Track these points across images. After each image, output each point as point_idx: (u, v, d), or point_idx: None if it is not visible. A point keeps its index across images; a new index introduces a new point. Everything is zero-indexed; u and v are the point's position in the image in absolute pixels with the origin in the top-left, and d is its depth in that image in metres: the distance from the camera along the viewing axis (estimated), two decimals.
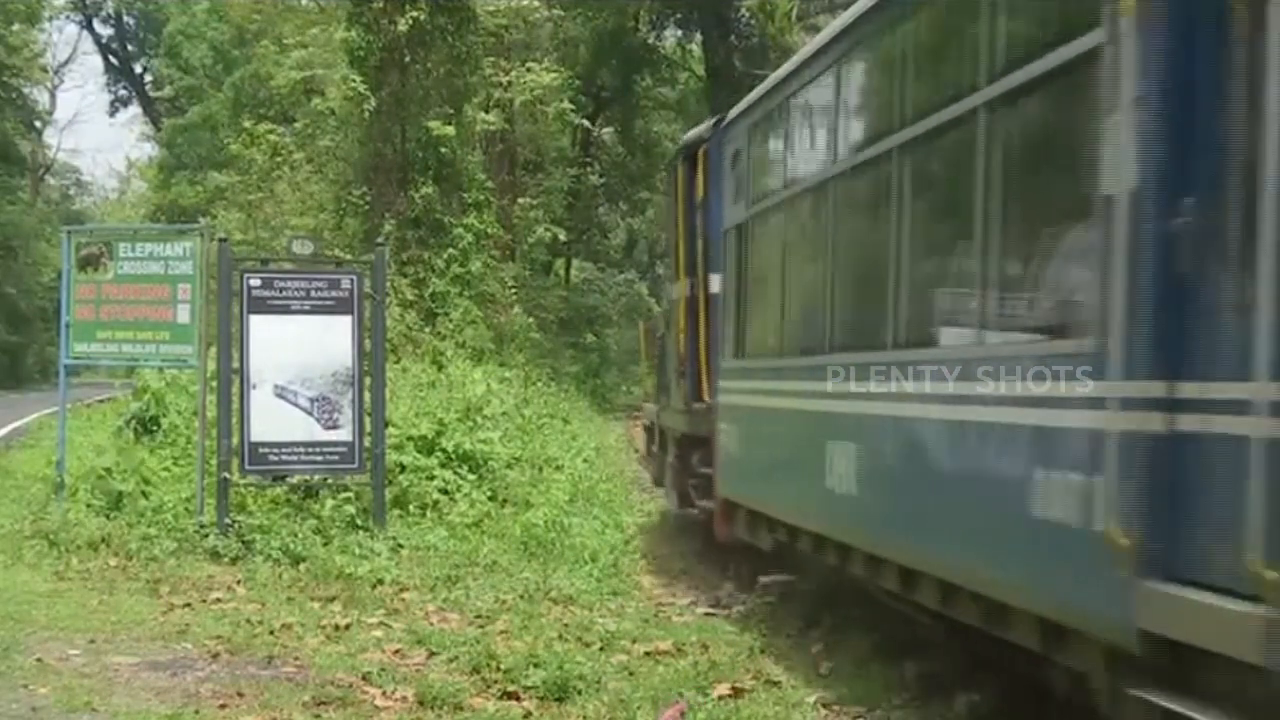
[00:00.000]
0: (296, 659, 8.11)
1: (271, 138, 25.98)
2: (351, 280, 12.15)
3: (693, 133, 12.72)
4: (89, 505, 12.46)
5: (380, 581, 10.41)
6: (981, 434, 5.90)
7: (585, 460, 17.22)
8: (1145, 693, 4.58)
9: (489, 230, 23.55)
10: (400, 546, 11.62)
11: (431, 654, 8.26)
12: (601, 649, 8.44)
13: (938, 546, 6.40)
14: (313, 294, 11.99)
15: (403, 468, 13.26)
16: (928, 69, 6.87)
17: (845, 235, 8.03)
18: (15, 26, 45.92)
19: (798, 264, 9.08)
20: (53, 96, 62.69)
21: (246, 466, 11.89)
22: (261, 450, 11.87)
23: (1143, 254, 4.58)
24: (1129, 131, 4.61)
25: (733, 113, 11.14)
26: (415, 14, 21.72)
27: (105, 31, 61.19)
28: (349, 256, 17.59)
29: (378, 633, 8.92)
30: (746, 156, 10.48)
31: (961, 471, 6.14)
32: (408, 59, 22.39)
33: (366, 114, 22.32)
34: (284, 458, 11.93)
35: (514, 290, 25.33)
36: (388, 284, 14.11)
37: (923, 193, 6.93)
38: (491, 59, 25.94)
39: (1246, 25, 4.18)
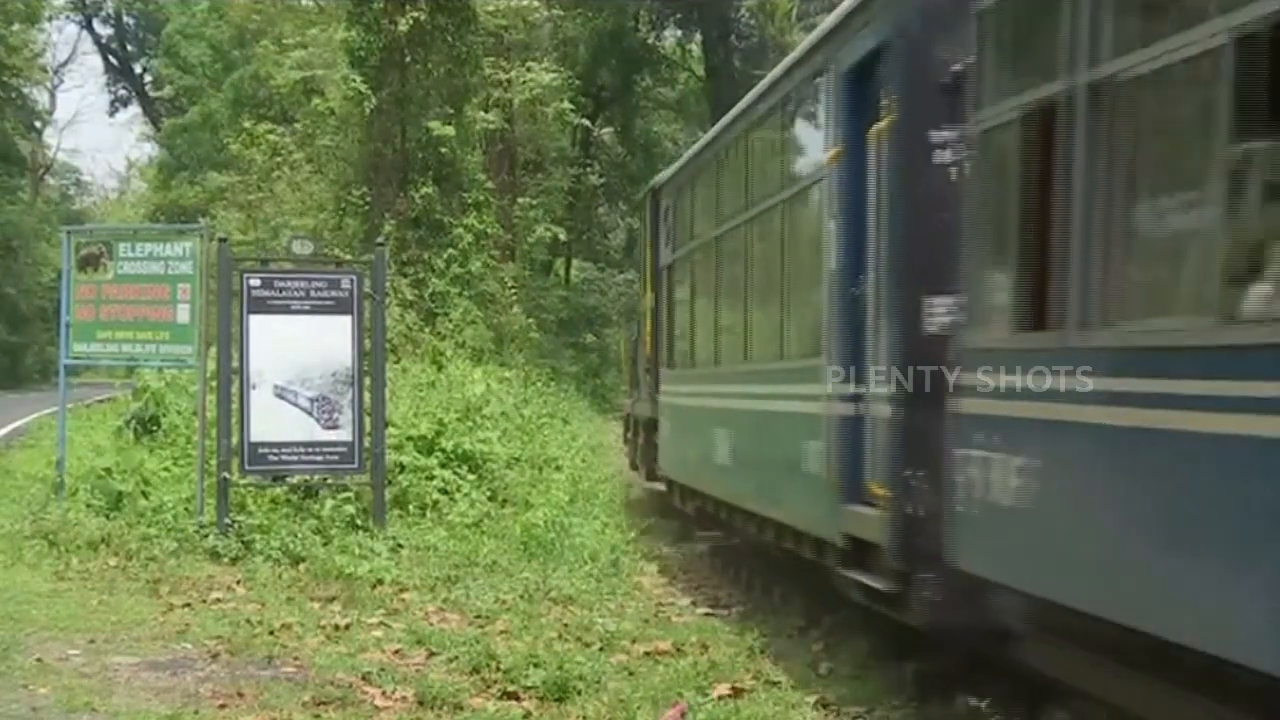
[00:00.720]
0: (296, 659, 8.11)
1: (271, 138, 25.99)
2: (351, 280, 12.15)
3: (659, 175, 15.39)
4: (89, 505, 12.45)
5: (380, 581, 10.41)
6: (781, 420, 9.02)
7: (584, 461, 17.24)
8: (850, 572, 7.50)
9: (489, 230, 23.57)
10: (400, 546, 11.62)
11: (431, 654, 8.26)
12: (601, 649, 8.44)
13: (769, 498, 9.44)
14: (312, 294, 11.99)
15: (402, 468, 13.26)
16: (758, 174, 10.17)
17: (723, 282, 11.21)
18: (15, 26, 45.91)
19: (700, 299, 12.16)
20: (52, 96, 62.76)
21: (246, 466, 11.88)
22: (261, 450, 11.87)
23: (839, 309, 7.69)
24: (833, 233, 7.73)
25: (663, 176, 14.38)
26: (415, 14, 21.73)
27: (105, 31, 61.29)
28: (349, 256, 17.61)
29: (378, 633, 8.92)
30: (672, 212, 13.38)
31: (775, 445, 9.26)
32: (408, 59, 22.41)
33: (366, 114, 22.34)
34: (284, 458, 11.93)
35: (514, 290, 25.34)
36: (387, 284, 14.11)
37: (756, 257, 10.09)
38: (491, 59, 25.96)
39: (871, 174, 7.28)
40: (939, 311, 6.58)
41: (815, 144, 8.43)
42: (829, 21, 8.39)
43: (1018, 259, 5.54)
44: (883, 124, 7.05)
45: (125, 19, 60.45)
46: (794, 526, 8.73)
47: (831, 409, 7.69)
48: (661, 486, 13.95)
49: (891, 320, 6.96)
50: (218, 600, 9.85)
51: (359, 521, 11.87)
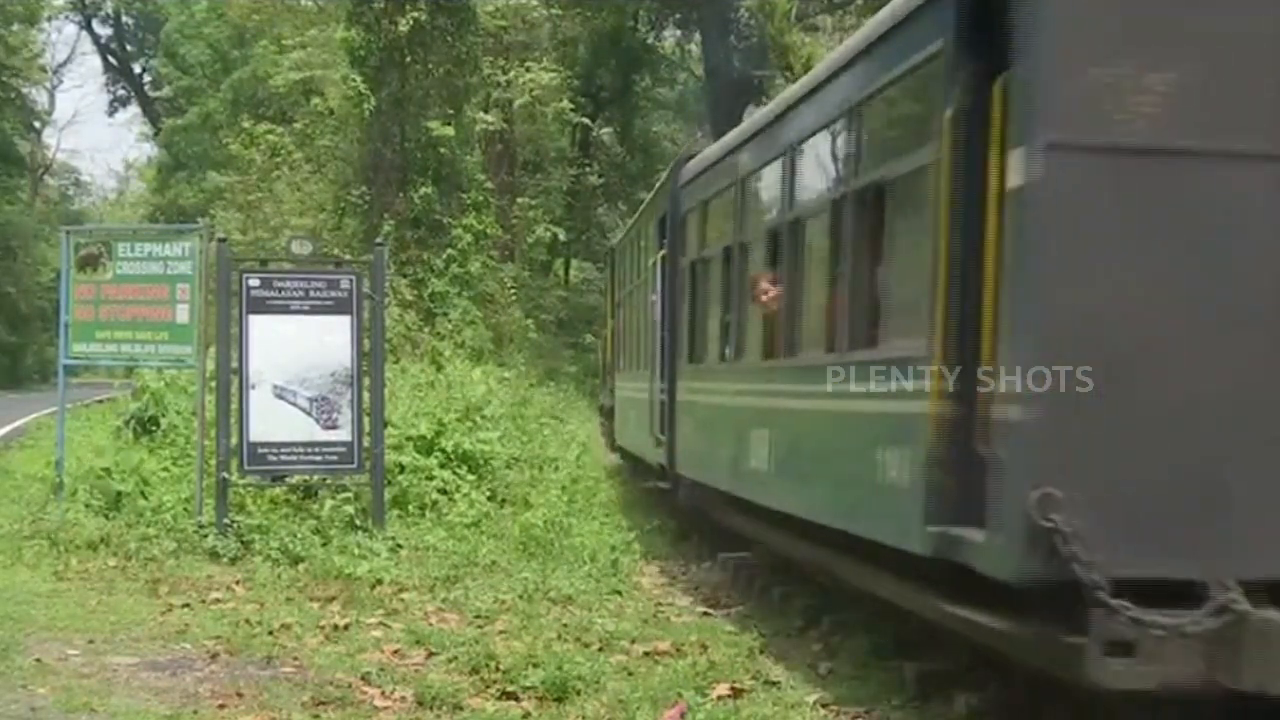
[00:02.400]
0: (295, 659, 8.10)
1: (270, 138, 25.98)
2: (350, 280, 12.14)
3: (613, 240, 22.19)
4: (88, 505, 12.45)
5: (379, 582, 10.40)
6: (643, 404, 14.32)
7: (583, 460, 17.24)
8: (659, 482, 13.50)
9: (488, 230, 23.57)
10: (399, 547, 11.61)
11: (430, 654, 8.26)
12: (600, 649, 8.44)
13: (643, 449, 14.65)
14: (311, 294, 11.98)
15: (402, 468, 13.26)
16: (639, 259, 15.76)
17: (631, 318, 16.56)
18: (14, 27, 45.93)
19: (626, 326, 17.47)
20: (52, 97, 62.81)
21: (245, 467, 11.88)
22: (260, 450, 11.86)
23: (655, 343, 13.32)
24: (653, 303, 13.44)
25: (614, 241, 21.42)
26: (415, 14, 21.74)
27: (104, 31, 61.26)
28: (348, 256, 17.60)
29: (377, 633, 8.91)
30: (617, 267, 19.31)
31: (641, 418, 14.54)
32: (408, 59, 22.41)
33: (366, 114, 22.34)
34: (283, 458, 11.93)
35: (513, 290, 25.35)
36: (387, 284, 14.11)
37: (639, 306, 15.31)
38: (490, 59, 25.96)
39: (663, 269, 13.10)
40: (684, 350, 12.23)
41: (650, 253, 14.27)
42: (650, 195, 16.27)
43: (686, 328, 12.10)
44: (663, 251, 13.12)
45: (124, 19, 60.45)
46: (649, 462, 14.18)
47: (653, 397, 13.43)
48: (618, 457, 18.93)
49: (668, 352, 12.80)
50: (217, 600, 9.84)
51: (358, 522, 11.86)
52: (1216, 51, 5.39)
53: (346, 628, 8.99)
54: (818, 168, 8.39)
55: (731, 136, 11.28)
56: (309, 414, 11.92)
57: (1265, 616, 5.17)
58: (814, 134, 8.37)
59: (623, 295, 17.77)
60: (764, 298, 9.18)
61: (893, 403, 6.58)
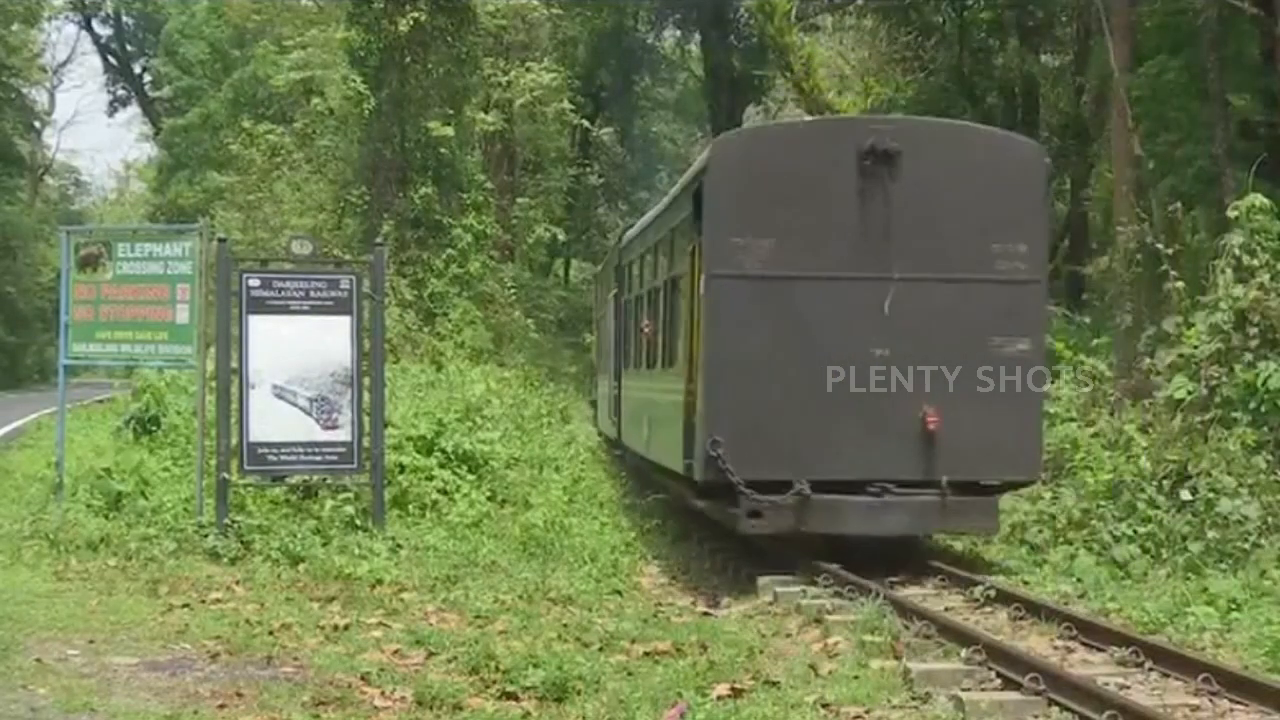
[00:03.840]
0: (295, 659, 8.11)
1: (270, 138, 26.00)
2: (350, 280, 12.13)
3: (597, 269, 26.83)
4: (88, 505, 12.44)
5: (379, 582, 10.40)
6: (604, 395, 20.53)
7: (583, 460, 17.25)
8: (614, 450, 19.72)
9: (488, 230, 23.60)
10: (399, 547, 11.60)
11: (430, 654, 8.26)
12: (600, 649, 8.44)
13: (608, 428, 19.94)
14: (312, 294, 11.97)
15: (402, 468, 13.25)
16: (604, 291, 21.50)
17: (604, 333, 20.90)
18: (14, 26, 45.90)
19: (601, 341, 21.83)
20: (52, 97, 62.78)
21: (246, 467, 11.87)
22: (260, 450, 11.85)
23: (610, 352, 19.19)
24: (609, 325, 19.97)
25: (597, 270, 26.46)
26: (415, 14, 21.75)
27: (104, 31, 61.24)
28: (348, 256, 17.60)
29: (377, 633, 8.92)
30: (598, 292, 23.87)
31: (606, 407, 20.21)
32: (407, 59, 22.42)
33: (366, 114, 22.35)
34: (283, 458, 11.91)
35: (513, 290, 25.37)
36: (386, 284, 14.09)
37: (604, 332, 20.93)
38: (491, 59, 25.98)
39: (614, 302, 19.09)
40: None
41: (610, 290, 19.18)
42: (609, 256, 21.64)
43: (625, 344, 17.07)
44: (616, 289, 18.06)
45: (124, 19, 60.43)
46: (611, 439, 18.88)
47: (610, 391, 18.34)
48: (601, 440, 21.57)
49: (616, 360, 17.64)
50: (217, 600, 9.84)
51: (358, 522, 11.85)
52: (792, 230, 10.76)
53: (346, 628, 8.99)
54: (663, 258, 13.88)
55: (638, 226, 17.10)
56: (309, 414, 11.91)
57: (819, 497, 10.52)
58: (661, 239, 13.95)
59: (600, 315, 22.80)
60: (645, 330, 14.68)
61: (676, 395, 12.12)
